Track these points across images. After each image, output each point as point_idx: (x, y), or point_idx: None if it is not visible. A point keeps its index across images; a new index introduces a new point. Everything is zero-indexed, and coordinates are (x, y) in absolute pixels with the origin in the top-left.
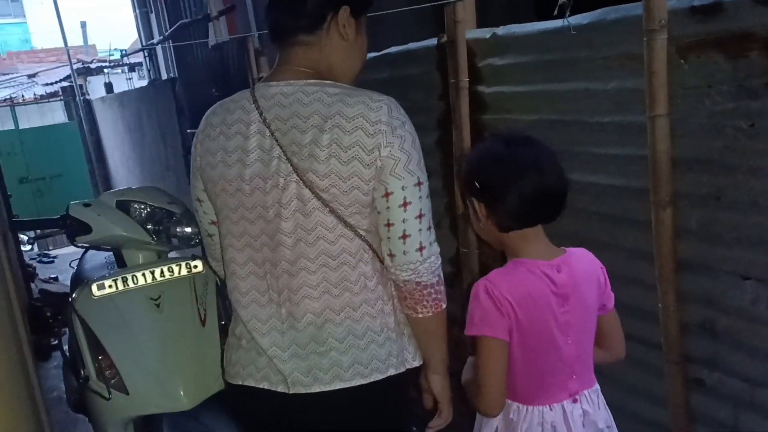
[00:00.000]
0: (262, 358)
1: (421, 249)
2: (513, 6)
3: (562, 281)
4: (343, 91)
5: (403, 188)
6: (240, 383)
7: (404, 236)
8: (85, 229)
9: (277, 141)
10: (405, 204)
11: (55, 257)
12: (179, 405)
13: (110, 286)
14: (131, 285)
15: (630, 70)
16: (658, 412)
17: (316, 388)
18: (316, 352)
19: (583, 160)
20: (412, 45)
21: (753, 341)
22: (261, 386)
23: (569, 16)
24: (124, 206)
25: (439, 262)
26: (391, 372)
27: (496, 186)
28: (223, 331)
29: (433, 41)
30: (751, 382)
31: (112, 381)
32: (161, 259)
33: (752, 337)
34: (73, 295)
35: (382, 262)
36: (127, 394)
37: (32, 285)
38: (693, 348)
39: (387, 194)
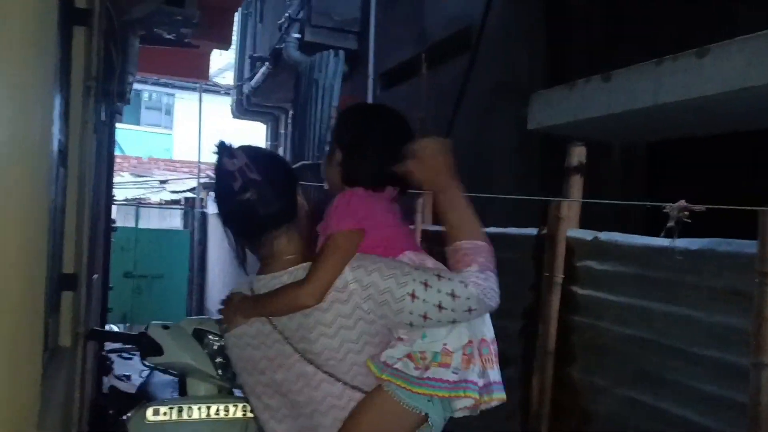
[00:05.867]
0: None
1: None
2: (622, 215)
3: None
4: None
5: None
6: None
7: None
8: (157, 350)
9: (275, 327)
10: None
11: (134, 355)
12: None
13: (165, 414)
14: (185, 417)
15: (736, 307)
16: None
17: None
18: None
19: (674, 390)
20: (511, 230)
21: None
22: None
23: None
24: (199, 335)
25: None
26: None
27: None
28: None
29: (533, 231)
30: None
31: None
32: (221, 394)
33: None
34: (129, 414)
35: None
36: None
37: (105, 378)
38: None
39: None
